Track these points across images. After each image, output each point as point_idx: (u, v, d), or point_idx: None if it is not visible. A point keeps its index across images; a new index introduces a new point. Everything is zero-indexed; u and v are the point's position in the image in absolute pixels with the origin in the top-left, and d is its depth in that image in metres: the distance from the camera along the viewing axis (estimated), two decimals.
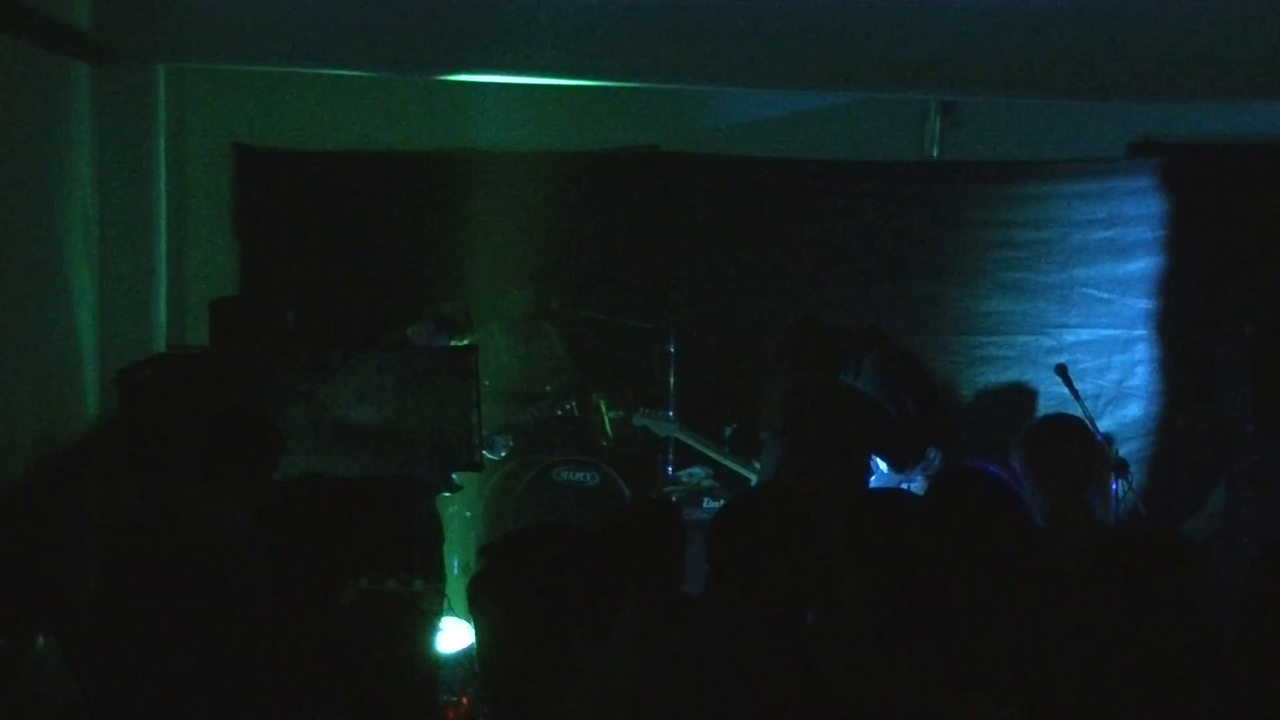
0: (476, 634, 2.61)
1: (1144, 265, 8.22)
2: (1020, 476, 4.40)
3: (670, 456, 7.44)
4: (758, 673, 3.40)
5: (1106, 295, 8.21)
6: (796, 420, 6.24)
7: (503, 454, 7.31)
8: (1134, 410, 8.27)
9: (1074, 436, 4.57)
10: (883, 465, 6.44)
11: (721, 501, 7.18)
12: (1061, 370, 7.39)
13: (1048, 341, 8.21)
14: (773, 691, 3.39)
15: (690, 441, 7.32)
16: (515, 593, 2.54)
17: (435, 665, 5.20)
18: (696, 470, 7.45)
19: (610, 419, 7.64)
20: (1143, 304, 8.23)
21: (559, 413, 7.47)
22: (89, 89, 6.52)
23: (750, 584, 3.52)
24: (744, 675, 3.39)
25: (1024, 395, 8.20)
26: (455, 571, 7.12)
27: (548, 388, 7.52)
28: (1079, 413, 6.76)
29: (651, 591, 3.87)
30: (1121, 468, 6.94)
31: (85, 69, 6.47)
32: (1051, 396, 7.96)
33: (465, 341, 6.99)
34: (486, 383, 6.82)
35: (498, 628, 2.55)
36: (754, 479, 6.86)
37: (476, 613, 2.60)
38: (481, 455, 6.40)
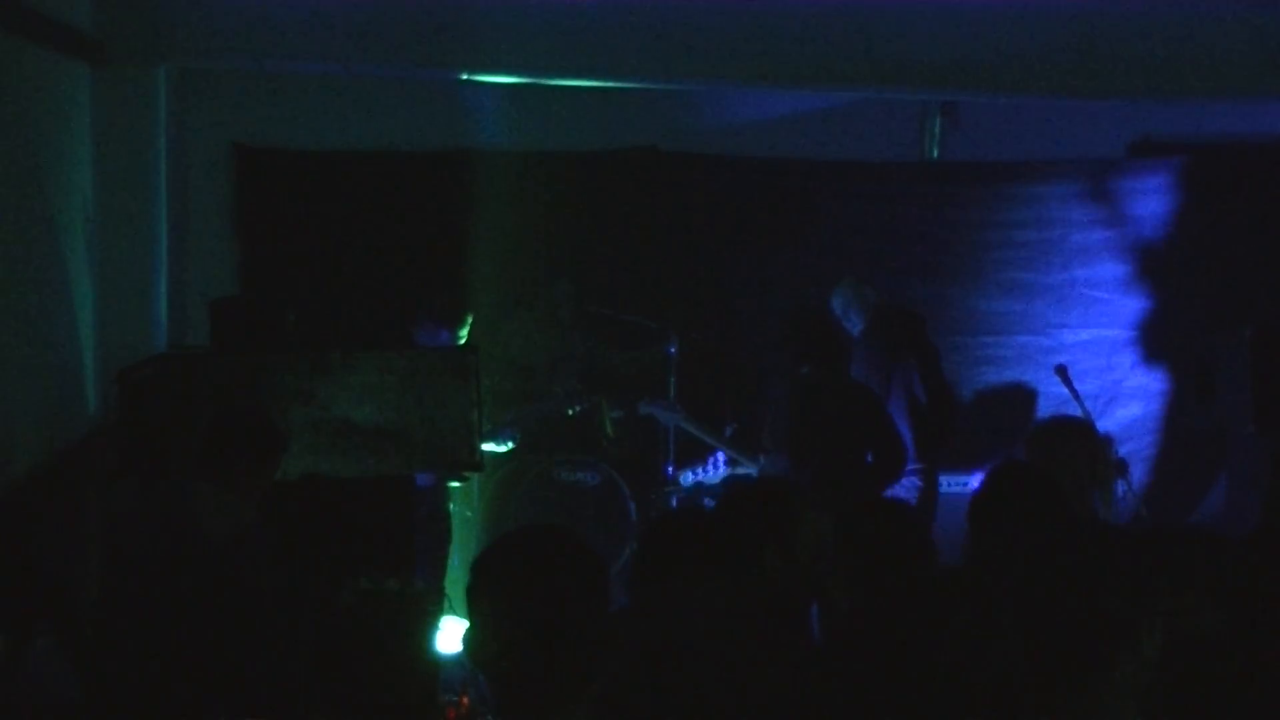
0: (476, 640, 2.57)
1: (1144, 265, 8.22)
2: None
3: (671, 457, 7.43)
4: (752, 668, 3.40)
5: (1106, 295, 8.21)
6: (802, 440, 6.22)
7: (509, 445, 7.28)
8: (1134, 410, 8.26)
9: (1080, 438, 4.60)
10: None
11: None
12: (1061, 370, 7.40)
13: (1048, 341, 8.21)
14: (768, 687, 3.39)
15: (694, 430, 7.27)
16: (513, 597, 2.52)
17: (435, 665, 5.20)
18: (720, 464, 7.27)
19: (611, 418, 7.63)
20: (1143, 304, 8.22)
21: (569, 413, 7.45)
22: (89, 89, 6.52)
23: (742, 578, 3.51)
24: (739, 671, 3.38)
25: (1024, 395, 8.20)
26: (455, 571, 7.12)
27: (556, 388, 7.50)
28: (1079, 413, 6.79)
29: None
30: (1122, 468, 6.96)
31: (85, 69, 6.47)
32: (1051, 396, 7.96)
33: (465, 333, 6.99)
34: (487, 382, 6.81)
35: (497, 633, 2.52)
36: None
37: (475, 617, 2.57)
38: (482, 455, 6.39)
